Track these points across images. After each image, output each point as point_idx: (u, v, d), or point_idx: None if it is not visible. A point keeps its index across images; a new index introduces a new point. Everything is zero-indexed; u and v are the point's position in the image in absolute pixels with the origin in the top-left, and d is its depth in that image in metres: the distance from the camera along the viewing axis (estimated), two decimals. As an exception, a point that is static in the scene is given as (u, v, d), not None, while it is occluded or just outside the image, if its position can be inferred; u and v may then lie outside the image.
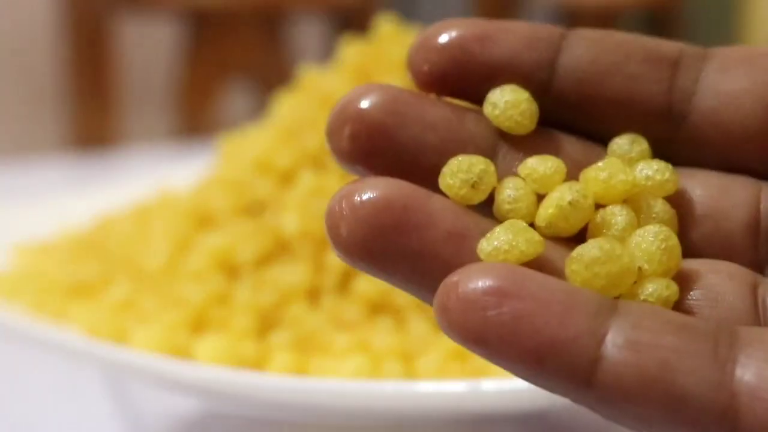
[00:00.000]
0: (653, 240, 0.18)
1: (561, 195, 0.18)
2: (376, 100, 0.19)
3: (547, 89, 0.20)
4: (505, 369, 0.16)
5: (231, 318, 0.35)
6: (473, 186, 0.18)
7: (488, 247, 0.18)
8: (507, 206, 0.19)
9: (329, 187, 0.38)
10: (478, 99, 0.20)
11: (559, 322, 0.16)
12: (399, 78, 0.41)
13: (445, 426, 0.35)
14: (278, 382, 0.32)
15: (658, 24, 1.64)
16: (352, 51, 0.42)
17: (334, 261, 0.37)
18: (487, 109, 0.20)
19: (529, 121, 0.19)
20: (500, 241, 0.17)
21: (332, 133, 0.19)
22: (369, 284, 0.36)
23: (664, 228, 0.18)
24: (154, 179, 0.49)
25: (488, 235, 0.18)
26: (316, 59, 0.51)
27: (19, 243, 0.45)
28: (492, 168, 0.19)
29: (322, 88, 0.42)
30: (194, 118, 1.17)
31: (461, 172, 0.18)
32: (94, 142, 1.08)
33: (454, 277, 0.17)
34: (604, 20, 1.54)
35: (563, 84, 0.20)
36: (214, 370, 0.33)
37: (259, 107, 0.50)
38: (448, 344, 0.34)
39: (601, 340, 0.16)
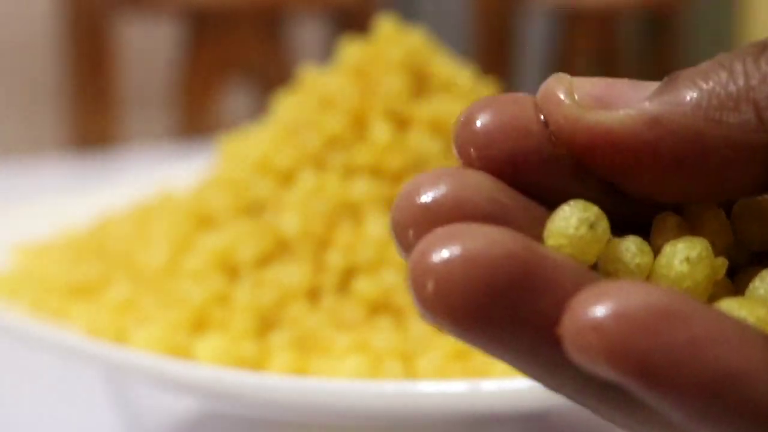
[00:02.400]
0: None
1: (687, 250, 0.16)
2: (452, 184, 0.16)
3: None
4: (664, 405, 0.14)
5: (231, 318, 0.35)
6: (591, 226, 0.16)
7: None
8: (636, 260, 0.16)
9: (329, 187, 0.38)
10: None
11: (740, 351, 0.14)
12: (399, 78, 0.41)
13: (445, 426, 0.35)
14: (278, 382, 0.32)
15: (658, 25, 1.64)
16: (352, 51, 0.43)
17: (334, 261, 0.37)
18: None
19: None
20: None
21: (401, 229, 0.16)
22: (369, 284, 0.36)
23: None
24: (154, 179, 0.49)
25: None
26: (316, 59, 0.51)
27: (19, 243, 0.45)
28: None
29: (322, 88, 0.42)
30: (194, 118, 1.17)
31: (577, 211, 0.16)
32: (94, 142, 1.08)
33: (600, 292, 0.14)
34: (604, 20, 1.54)
35: None
36: (214, 370, 0.33)
37: (259, 107, 0.50)
38: (447, 344, 0.34)
39: None
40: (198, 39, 1.17)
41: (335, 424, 0.35)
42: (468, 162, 0.17)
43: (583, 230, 0.16)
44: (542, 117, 0.17)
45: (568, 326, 0.14)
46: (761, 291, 0.16)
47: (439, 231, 0.15)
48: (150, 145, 1.03)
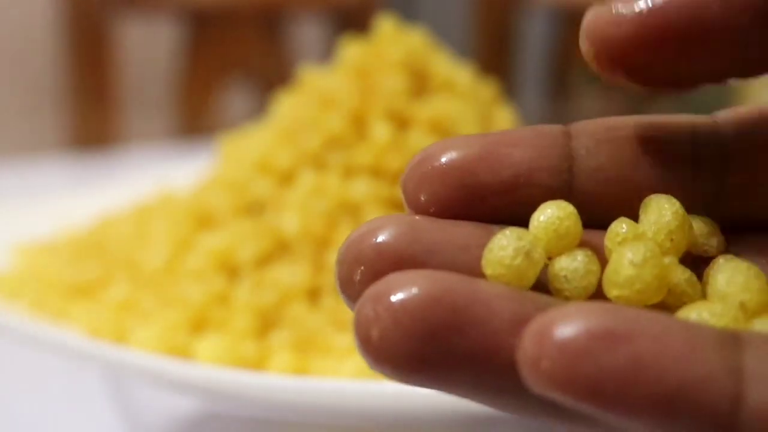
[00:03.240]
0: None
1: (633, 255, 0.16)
2: (393, 231, 0.17)
3: (567, 194, 0.18)
4: (621, 423, 0.14)
5: (231, 318, 0.35)
6: (527, 254, 0.16)
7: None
8: (583, 282, 0.17)
9: (329, 187, 0.38)
10: (489, 218, 0.18)
11: (688, 360, 0.14)
12: (399, 78, 0.41)
13: (445, 426, 0.35)
14: (278, 382, 0.32)
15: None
16: (352, 51, 0.43)
17: (334, 261, 0.37)
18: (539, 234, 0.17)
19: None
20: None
21: (346, 276, 0.17)
22: (369, 284, 0.36)
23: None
24: (154, 179, 0.49)
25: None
26: (316, 59, 0.51)
27: (19, 243, 0.45)
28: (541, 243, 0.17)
29: (322, 88, 0.42)
30: (194, 118, 1.17)
31: (512, 241, 0.16)
32: (94, 142, 1.08)
33: (544, 323, 0.14)
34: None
35: (584, 186, 0.18)
36: (214, 370, 0.33)
37: (259, 107, 0.50)
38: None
39: (738, 376, 0.14)
40: (198, 39, 1.17)
41: (335, 424, 0.35)
42: (415, 205, 0.18)
43: (519, 260, 0.16)
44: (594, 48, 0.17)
45: (520, 359, 0.14)
46: (717, 283, 0.16)
47: (377, 284, 0.15)
48: (150, 145, 1.03)
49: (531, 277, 0.17)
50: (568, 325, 0.14)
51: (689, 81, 0.17)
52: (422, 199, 0.18)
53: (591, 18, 0.17)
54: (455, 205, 0.18)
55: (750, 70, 0.17)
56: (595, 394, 0.14)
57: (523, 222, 0.18)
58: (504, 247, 0.16)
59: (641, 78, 0.17)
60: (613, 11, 0.17)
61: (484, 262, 0.17)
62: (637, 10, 0.16)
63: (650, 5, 0.16)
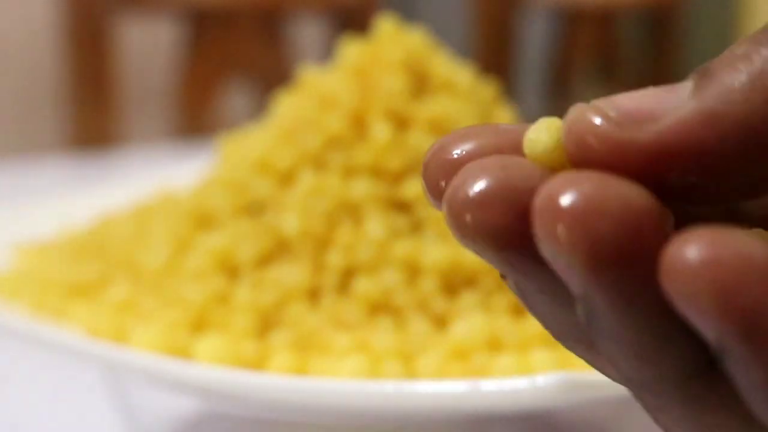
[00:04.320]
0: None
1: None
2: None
3: None
4: (756, 362, 0.14)
5: (231, 318, 0.35)
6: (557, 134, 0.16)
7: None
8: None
9: (329, 187, 0.38)
10: None
11: None
12: (399, 78, 0.41)
13: (445, 426, 0.35)
14: (278, 382, 0.32)
15: (657, 24, 1.64)
16: (352, 51, 0.43)
17: (334, 261, 0.37)
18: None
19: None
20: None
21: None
22: (369, 284, 0.36)
23: None
24: (154, 179, 0.49)
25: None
26: (316, 59, 0.51)
27: (19, 243, 0.45)
28: None
29: (322, 88, 0.42)
30: (194, 118, 1.17)
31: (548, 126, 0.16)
32: (94, 142, 1.08)
33: (702, 240, 0.13)
34: (604, 20, 1.54)
35: None
36: (214, 370, 0.33)
37: (259, 107, 0.50)
38: (448, 344, 0.34)
39: None
40: (198, 39, 1.17)
41: (335, 424, 0.35)
42: (437, 195, 0.17)
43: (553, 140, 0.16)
44: (572, 154, 0.16)
45: (672, 270, 0.14)
46: None
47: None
48: (150, 145, 1.03)
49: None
50: (732, 246, 0.13)
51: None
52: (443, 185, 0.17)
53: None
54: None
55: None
56: (750, 324, 0.13)
57: None
58: (538, 129, 0.16)
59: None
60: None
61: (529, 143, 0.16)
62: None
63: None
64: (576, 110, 0.16)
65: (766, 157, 0.15)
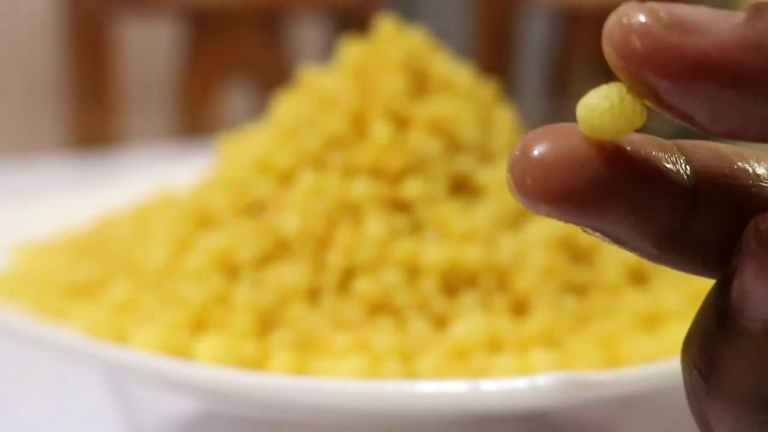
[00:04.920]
0: None
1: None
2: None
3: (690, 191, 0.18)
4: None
5: (231, 318, 0.35)
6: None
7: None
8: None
9: (329, 187, 0.38)
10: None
11: None
12: (399, 78, 0.41)
13: (445, 426, 0.35)
14: (278, 382, 0.32)
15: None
16: (352, 51, 0.43)
17: (334, 261, 0.37)
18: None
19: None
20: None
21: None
22: (369, 284, 0.36)
23: None
24: (154, 179, 0.49)
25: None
26: (316, 59, 0.51)
27: (19, 243, 0.45)
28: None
29: (322, 88, 0.42)
30: (194, 118, 1.17)
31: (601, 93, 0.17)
32: (94, 142, 1.08)
33: None
34: (604, 20, 1.54)
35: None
36: (214, 370, 0.33)
37: (259, 107, 0.50)
38: (448, 344, 0.34)
39: None
40: (198, 39, 1.17)
41: (335, 424, 0.35)
42: (525, 193, 0.17)
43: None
44: (609, 57, 0.17)
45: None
46: None
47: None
48: (150, 145, 1.03)
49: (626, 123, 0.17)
50: None
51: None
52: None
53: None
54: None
55: None
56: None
57: None
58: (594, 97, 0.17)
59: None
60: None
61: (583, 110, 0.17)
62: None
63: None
64: (627, 7, 0.16)
65: None
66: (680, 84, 0.16)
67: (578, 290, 0.37)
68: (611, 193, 0.16)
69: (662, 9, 0.16)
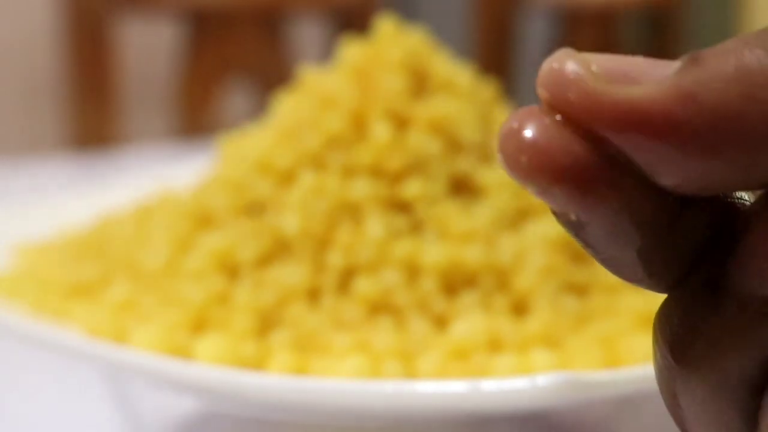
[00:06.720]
0: None
1: None
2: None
3: None
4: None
5: (231, 318, 0.35)
6: None
7: None
8: None
9: (329, 187, 0.38)
10: None
11: None
12: (399, 78, 0.41)
13: (445, 426, 0.35)
14: (278, 382, 0.32)
15: (658, 24, 1.64)
16: (352, 51, 0.43)
17: (334, 261, 0.37)
18: None
19: None
20: None
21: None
22: (369, 284, 0.36)
23: None
24: (154, 179, 0.49)
25: None
26: (316, 59, 0.51)
27: (19, 243, 0.45)
28: None
29: (322, 88, 0.42)
30: (194, 118, 1.17)
31: None
32: (94, 141, 1.08)
33: None
34: (604, 20, 1.54)
35: None
36: (214, 370, 0.33)
37: (259, 107, 0.50)
38: (448, 344, 0.34)
39: None
40: (198, 39, 1.17)
41: (335, 424, 0.35)
42: (519, 171, 0.16)
43: None
44: (545, 101, 0.16)
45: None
46: None
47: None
48: (150, 145, 1.03)
49: None
50: None
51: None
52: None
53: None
54: None
55: None
56: None
57: None
58: None
59: None
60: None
61: None
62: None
63: None
64: (560, 54, 0.16)
65: (733, 152, 0.15)
66: (613, 136, 0.15)
67: (578, 290, 0.37)
68: (609, 174, 0.16)
69: (593, 59, 0.16)
